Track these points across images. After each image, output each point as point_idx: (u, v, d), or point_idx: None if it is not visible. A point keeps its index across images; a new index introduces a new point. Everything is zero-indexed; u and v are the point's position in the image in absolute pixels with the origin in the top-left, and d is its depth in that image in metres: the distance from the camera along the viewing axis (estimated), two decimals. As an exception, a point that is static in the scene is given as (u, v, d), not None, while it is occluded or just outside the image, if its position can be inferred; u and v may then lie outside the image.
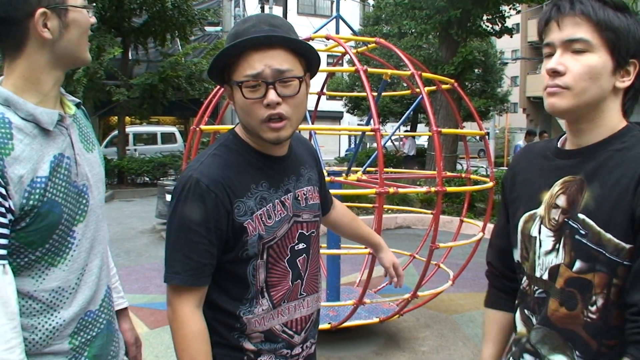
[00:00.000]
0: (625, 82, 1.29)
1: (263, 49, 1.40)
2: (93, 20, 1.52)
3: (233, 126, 1.62)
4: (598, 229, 1.25)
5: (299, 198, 1.60)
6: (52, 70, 1.45)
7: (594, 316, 1.27)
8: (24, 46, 1.40)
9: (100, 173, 1.61)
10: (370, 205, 6.99)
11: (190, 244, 1.43)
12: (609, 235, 1.23)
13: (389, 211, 9.75)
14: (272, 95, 1.40)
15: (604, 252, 1.24)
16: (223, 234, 1.45)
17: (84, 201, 1.51)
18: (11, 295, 1.31)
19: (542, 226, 1.39)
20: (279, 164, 1.57)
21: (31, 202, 1.33)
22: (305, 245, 1.60)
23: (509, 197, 1.56)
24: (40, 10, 1.37)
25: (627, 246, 1.21)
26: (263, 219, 1.49)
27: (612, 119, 1.32)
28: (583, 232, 1.27)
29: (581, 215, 1.28)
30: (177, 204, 1.46)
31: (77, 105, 1.62)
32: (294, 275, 1.57)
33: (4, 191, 1.29)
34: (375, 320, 4.41)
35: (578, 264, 1.28)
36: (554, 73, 1.28)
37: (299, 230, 1.58)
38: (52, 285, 1.43)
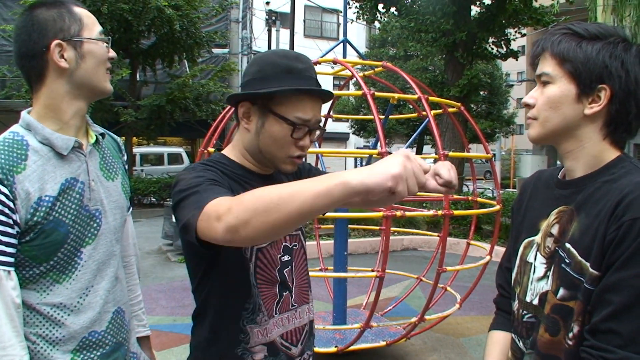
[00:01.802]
0: (593, 109, 1.30)
1: (316, 99, 1.53)
2: (112, 54, 1.62)
3: None
4: (579, 258, 1.28)
5: None
6: (72, 100, 1.58)
7: (571, 342, 1.30)
8: (45, 77, 1.55)
9: (119, 201, 1.72)
10: (377, 227, 6.97)
11: (207, 188, 1.32)
12: (587, 264, 1.26)
13: (395, 233, 9.72)
14: (308, 141, 1.54)
15: (583, 281, 1.27)
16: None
17: (95, 225, 1.62)
18: (15, 299, 1.44)
19: (537, 253, 1.43)
20: (264, 179, 1.61)
21: (35, 218, 1.46)
22: (289, 258, 1.64)
23: (515, 221, 1.61)
24: (56, 41, 1.52)
25: (598, 274, 1.25)
26: None
27: (594, 148, 1.34)
28: (568, 261, 1.32)
29: (567, 245, 1.32)
30: (179, 182, 1.40)
31: (102, 135, 1.73)
32: (282, 286, 1.59)
33: (12, 205, 1.43)
34: (382, 343, 4.38)
35: (561, 292, 1.33)
36: (526, 106, 1.40)
37: (283, 243, 1.63)
38: (54, 301, 1.53)
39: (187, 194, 1.33)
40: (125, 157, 1.88)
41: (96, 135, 1.69)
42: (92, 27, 1.59)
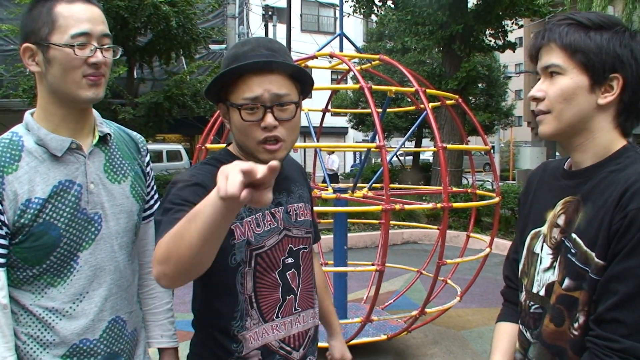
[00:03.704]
0: (607, 98, 1.31)
1: (263, 73, 1.44)
2: (95, 59, 1.48)
3: None
4: (585, 248, 1.29)
5: (290, 212, 1.62)
6: (58, 104, 1.52)
7: (576, 332, 1.30)
8: (34, 77, 1.54)
9: (125, 205, 1.64)
10: (377, 221, 6.97)
11: (170, 218, 1.30)
12: (592, 254, 1.26)
13: (395, 227, 9.73)
14: (269, 119, 1.44)
15: (588, 271, 1.27)
16: None
17: (93, 229, 1.56)
18: (1, 300, 1.42)
19: (544, 244, 1.43)
20: None
21: (23, 220, 1.42)
22: (293, 260, 1.60)
23: (521, 212, 1.61)
24: (25, 45, 1.48)
25: (604, 264, 1.25)
26: (252, 225, 1.51)
27: (604, 138, 1.34)
28: (573, 251, 1.32)
29: (574, 235, 1.32)
30: (167, 193, 1.42)
31: (109, 135, 1.64)
32: (285, 289, 1.57)
33: (0, 206, 1.41)
34: (383, 337, 4.39)
35: (567, 282, 1.33)
36: (535, 100, 1.37)
37: (289, 245, 1.60)
38: (47, 304, 1.50)
39: (157, 219, 1.36)
40: (146, 158, 1.77)
41: (100, 136, 1.61)
42: (65, 29, 1.45)
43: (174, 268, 1.14)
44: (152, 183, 1.80)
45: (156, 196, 1.82)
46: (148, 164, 1.79)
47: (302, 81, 1.54)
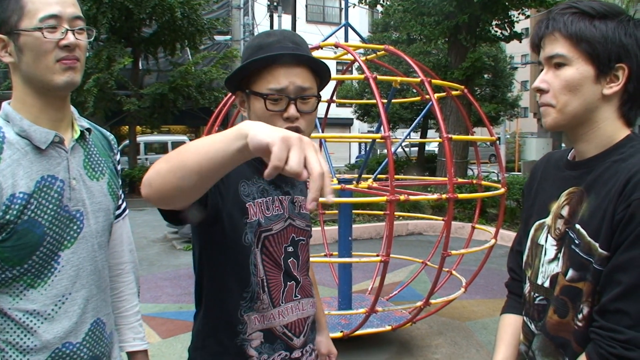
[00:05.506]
0: (613, 88, 1.29)
1: (289, 66, 1.48)
2: (66, 40, 1.43)
3: None
4: (588, 239, 1.28)
5: (295, 203, 1.66)
6: (35, 94, 1.47)
7: (580, 324, 1.30)
8: (8, 70, 1.50)
9: (103, 203, 1.60)
10: (382, 212, 6.97)
11: None
12: (596, 245, 1.26)
13: (400, 218, 9.72)
14: (292, 111, 1.48)
15: (592, 261, 1.26)
16: (222, 192, 1.41)
17: (75, 227, 1.50)
18: None
19: (548, 235, 1.43)
20: None
21: (8, 217, 1.35)
22: (293, 250, 1.63)
23: (525, 204, 1.60)
24: None
25: (607, 254, 1.24)
26: (262, 208, 1.54)
27: (608, 128, 1.33)
28: (577, 242, 1.31)
29: (577, 226, 1.32)
30: None
31: (89, 131, 1.61)
32: (286, 275, 1.60)
33: None
34: (388, 328, 4.39)
35: (570, 273, 1.32)
36: (539, 91, 1.35)
37: (292, 234, 1.63)
38: (28, 307, 1.43)
39: None
40: (117, 157, 1.75)
41: (81, 131, 1.56)
42: (34, 14, 1.40)
43: (161, 180, 1.14)
44: (121, 182, 1.77)
45: (123, 196, 1.80)
46: (119, 162, 1.77)
47: (322, 77, 1.59)
